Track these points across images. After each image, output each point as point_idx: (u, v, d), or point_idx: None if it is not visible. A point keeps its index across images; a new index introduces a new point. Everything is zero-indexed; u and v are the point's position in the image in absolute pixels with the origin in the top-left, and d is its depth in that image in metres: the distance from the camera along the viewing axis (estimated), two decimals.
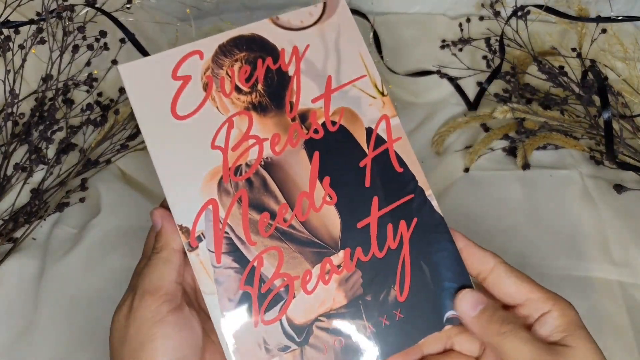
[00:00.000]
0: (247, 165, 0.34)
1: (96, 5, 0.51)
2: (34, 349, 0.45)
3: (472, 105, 0.61)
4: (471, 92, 0.62)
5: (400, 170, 0.35)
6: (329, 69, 0.36)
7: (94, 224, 0.50)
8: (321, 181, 0.34)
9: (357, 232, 0.34)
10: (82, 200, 0.52)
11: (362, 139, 0.35)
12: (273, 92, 0.35)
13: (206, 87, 0.35)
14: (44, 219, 0.51)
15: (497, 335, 0.30)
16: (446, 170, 0.56)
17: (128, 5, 0.53)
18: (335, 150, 0.35)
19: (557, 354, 0.29)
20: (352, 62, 0.36)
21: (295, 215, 0.33)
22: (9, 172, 0.49)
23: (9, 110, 0.48)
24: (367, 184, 0.34)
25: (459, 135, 0.59)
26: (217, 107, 0.34)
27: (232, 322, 0.32)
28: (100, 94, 0.56)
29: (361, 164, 0.34)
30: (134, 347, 0.30)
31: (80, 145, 0.53)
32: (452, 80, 0.63)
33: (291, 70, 0.36)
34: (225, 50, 0.35)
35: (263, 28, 0.36)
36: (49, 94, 0.51)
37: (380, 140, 0.35)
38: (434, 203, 0.35)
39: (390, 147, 0.35)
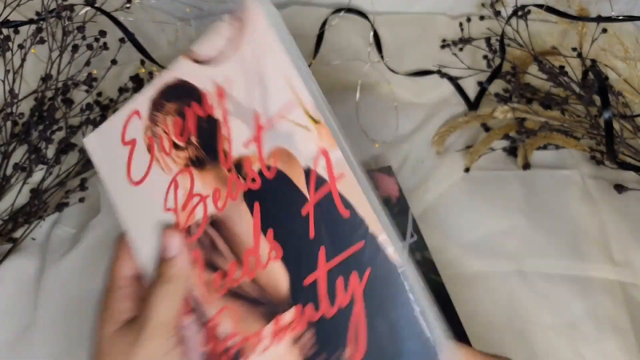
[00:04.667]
0: (196, 224, 0.33)
1: (96, 5, 0.51)
2: (33, 349, 0.44)
3: (473, 105, 0.61)
4: (471, 92, 0.62)
5: (346, 214, 0.29)
6: (256, 104, 0.31)
7: (94, 224, 0.50)
8: (265, 234, 0.31)
9: (306, 288, 0.30)
10: (81, 200, 0.52)
11: (301, 183, 0.30)
12: (206, 142, 0.32)
13: (149, 148, 0.34)
14: (44, 219, 0.51)
15: None
16: (446, 170, 0.56)
17: (128, 5, 0.53)
18: (275, 199, 0.31)
19: None
20: (277, 89, 0.30)
21: (244, 274, 0.31)
22: (8, 172, 0.49)
23: (9, 110, 0.48)
24: (312, 234, 0.30)
25: (459, 135, 0.59)
26: (162, 168, 0.33)
27: None
28: (99, 94, 0.56)
29: (303, 212, 0.30)
30: None
31: (80, 145, 0.53)
32: (453, 80, 0.63)
33: (218, 114, 0.32)
34: (157, 104, 0.34)
35: (184, 69, 0.33)
36: (49, 94, 0.51)
37: (321, 181, 0.29)
38: (389, 250, 0.29)
39: (333, 188, 0.29)
